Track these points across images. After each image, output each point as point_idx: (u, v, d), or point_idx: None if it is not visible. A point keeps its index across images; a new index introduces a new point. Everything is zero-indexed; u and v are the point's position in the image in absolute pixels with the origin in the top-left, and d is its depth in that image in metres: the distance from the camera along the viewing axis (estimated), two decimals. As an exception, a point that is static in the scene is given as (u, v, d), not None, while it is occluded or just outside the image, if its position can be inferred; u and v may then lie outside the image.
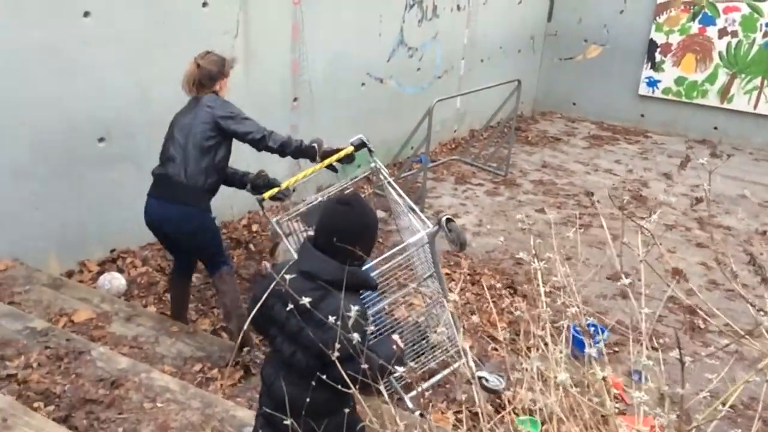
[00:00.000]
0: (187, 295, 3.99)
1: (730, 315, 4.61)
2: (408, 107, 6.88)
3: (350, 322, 1.59)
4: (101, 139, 4.31)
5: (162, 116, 4.59)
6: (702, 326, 4.40)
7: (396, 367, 1.72)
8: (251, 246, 5.11)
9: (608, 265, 5.15)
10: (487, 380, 3.48)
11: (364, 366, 1.57)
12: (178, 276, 3.89)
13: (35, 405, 2.61)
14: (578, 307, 1.92)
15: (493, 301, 4.56)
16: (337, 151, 3.60)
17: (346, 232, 1.96)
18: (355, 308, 1.72)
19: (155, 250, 4.84)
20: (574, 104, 9.32)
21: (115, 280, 4.31)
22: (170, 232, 3.55)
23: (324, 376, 1.77)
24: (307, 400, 1.81)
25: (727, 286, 4.98)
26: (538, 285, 1.83)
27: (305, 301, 1.59)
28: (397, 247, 3.23)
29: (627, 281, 1.70)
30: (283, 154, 3.49)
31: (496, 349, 4.13)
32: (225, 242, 5.12)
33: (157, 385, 2.83)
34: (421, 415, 3.41)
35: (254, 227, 5.40)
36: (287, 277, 1.79)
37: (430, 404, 3.54)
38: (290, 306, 1.79)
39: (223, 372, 3.32)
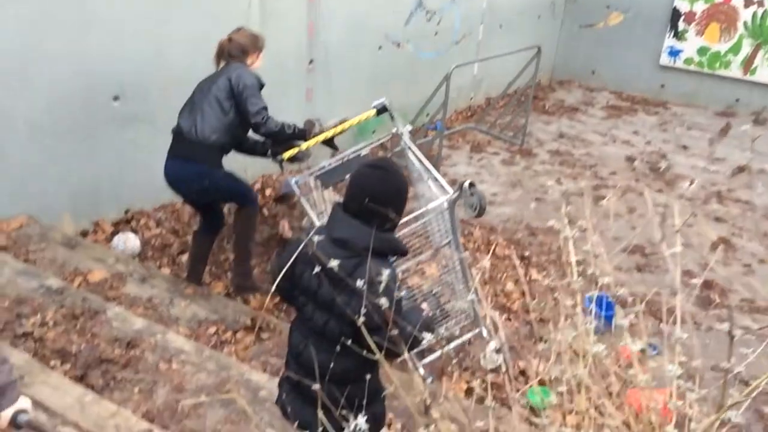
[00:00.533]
0: (207, 254, 4.03)
1: (749, 290, 4.60)
2: (425, 73, 6.75)
3: (381, 288, 1.56)
4: (116, 98, 4.26)
5: (176, 77, 4.54)
6: (717, 300, 4.36)
7: (425, 335, 1.70)
8: (264, 210, 5.08)
9: (624, 238, 5.10)
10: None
11: (394, 332, 1.55)
12: (202, 232, 3.98)
13: (51, 363, 2.62)
14: (601, 277, 1.89)
15: (507, 272, 4.52)
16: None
17: (381, 196, 1.91)
18: (387, 272, 1.71)
19: (169, 212, 4.84)
20: (593, 73, 9.13)
21: (129, 241, 4.31)
22: (185, 192, 3.69)
23: (355, 344, 1.75)
24: (334, 366, 1.80)
25: (744, 261, 4.92)
26: (567, 254, 1.78)
27: (334, 263, 1.55)
28: (415, 213, 3.19)
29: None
30: (276, 141, 3.59)
31: (509, 319, 4.12)
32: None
33: (172, 347, 2.83)
34: (432, 381, 3.42)
35: (268, 191, 5.37)
36: (316, 240, 1.78)
37: (443, 372, 3.54)
38: (318, 269, 1.77)
39: (237, 335, 3.32)
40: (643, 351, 3.79)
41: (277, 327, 3.42)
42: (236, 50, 3.60)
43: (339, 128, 3.71)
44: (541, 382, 3.54)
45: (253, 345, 3.28)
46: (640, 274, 4.64)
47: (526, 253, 4.76)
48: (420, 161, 3.47)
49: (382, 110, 3.64)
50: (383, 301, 1.53)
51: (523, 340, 4.02)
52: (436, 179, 3.34)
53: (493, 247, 4.88)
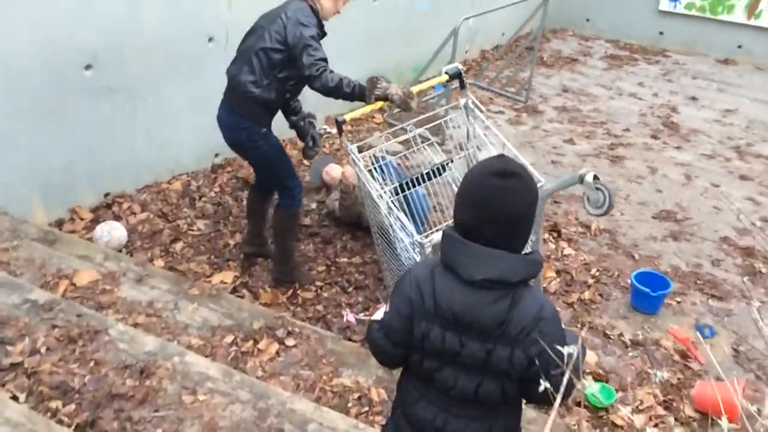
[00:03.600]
0: (265, 214, 3.70)
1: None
2: (419, 26, 6.21)
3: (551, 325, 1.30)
4: (88, 67, 3.66)
5: (153, 38, 3.94)
6: (763, 270, 4.06)
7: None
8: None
9: (652, 203, 4.75)
10: None
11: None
12: (254, 191, 3.67)
13: (52, 405, 2.13)
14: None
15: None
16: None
17: (522, 210, 1.47)
18: (548, 305, 1.51)
19: (154, 193, 4.30)
20: (587, 20, 8.64)
21: (114, 231, 3.77)
22: (226, 139, 3.33)
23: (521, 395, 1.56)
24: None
25: (781, 224, 4.62)
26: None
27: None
28: None
29: None
30: (332, 97, 3.03)
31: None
32: (233, 182, 4.59)
33: (194, 372, 2.37)
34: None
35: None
36: (439, 287, 1.38)
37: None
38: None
39: (259, 344, 2.87)
40: (701, 333, 3.44)
41: (303, 331, 2.98)
42: None
43: (429, 83, 3.28)
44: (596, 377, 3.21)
45: (278, 356, 2.83)
46: (676, 242, 4.29)
47: (553, 225, 4.36)
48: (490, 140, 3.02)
49: (455, 76, 3.17)
50: (571, 349, 1.13)
51: (566, 326, 3.65)
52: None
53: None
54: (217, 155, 4.71)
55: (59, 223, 3.84)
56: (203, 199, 4.36)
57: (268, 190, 3.64)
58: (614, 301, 3.72)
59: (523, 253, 1.51)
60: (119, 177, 4.11)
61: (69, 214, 3.91)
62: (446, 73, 3.19)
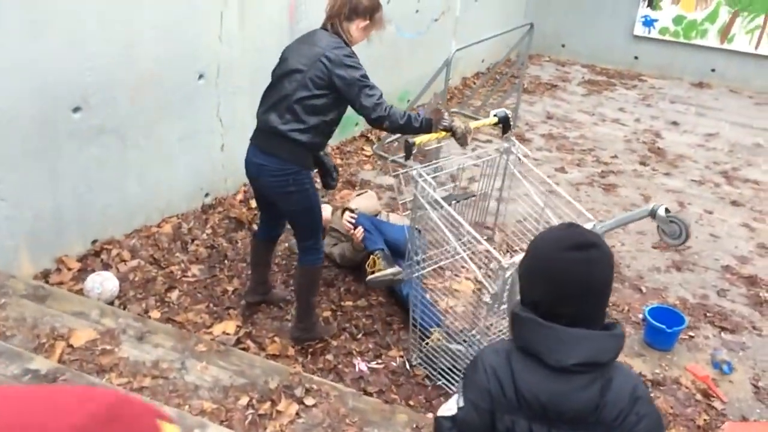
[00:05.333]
0: (270, 261, 3.64)
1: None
2: (406, 55, 6.16)
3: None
4: (76, 109, 3.47)
5: (147, 76, 3.78)
6: (768, 299, 4.05)
7: None
8: (254, 226, 4.40)
9: (650, 232, 4.72)
10: None
11: None
12: (258, 240, 3.52)
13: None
14: None
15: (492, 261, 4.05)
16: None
17: (605, 283, 1.38)
18: (639, 381, 1.42)
19: (144, 238, 4.09)
20: (563, 46, 8.74)
21: (107, 282, 3.56)
22: (265, 188, 3.16)
23: None
24: None
25: (778, 249, 4.64)
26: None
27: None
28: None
29: None
30: (399, 132, 3.09)
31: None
32: (226, 222, 4.43)
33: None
34: None
35: (253, 203, 4.67)
36: (524, 375, 1.25)
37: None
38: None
39: (275, 405, 2.70)
40: (720, 369, 3.38)
41: (322, 388, 2.82)
42: (348, 9, 2.91)
43: (478, 124, 3.15)
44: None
45: (298, 417, 2.66)
46: (680, 273, 4.27)
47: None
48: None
49: (504, 120, 3.12)
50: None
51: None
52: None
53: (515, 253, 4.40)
54: (207, 195, 4.53)
55: (45, 275, 3.61)
56: (196, 242, 4.17)
57: (273, 237, 3.49)
58: (628, 338, 3.65)
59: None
60: (108, 222, 3.90)
61: (55, 264, 3.68)
62: (495, 116, 3.12)
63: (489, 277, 2.64)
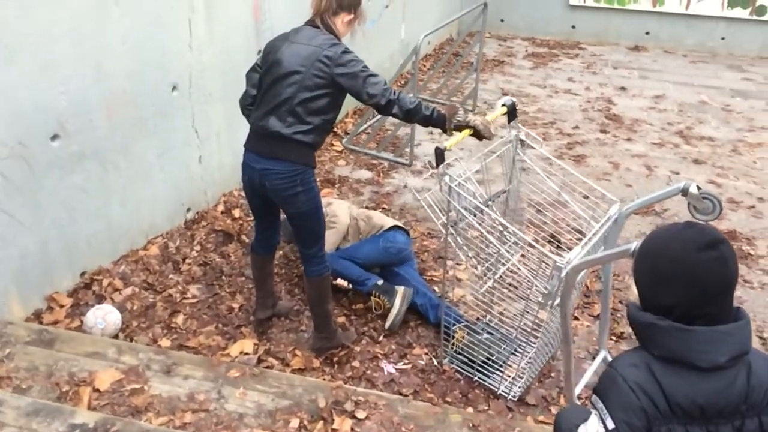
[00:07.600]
0: (271, 275, 3.54)
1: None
2: (361, 46, 6.05)
3: None
4: (55, 137, 3.24)
5: (121, 94, 3.57)
6: (751, 252, 4.27)
7: None
8: (244, 237, 4.26)
9: (628, 199, 4.87)
10: None
11: None
12: (257, 253, 3.40)
13: None
14: None
15: (544, 261, 4.11)
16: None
17: (736, 275, 1.41)
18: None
19: (132, 263, 3.90)
20: (502, 21, 8.84)
21: (109, 315, 3.37)
22: (271, 192, 3.03)
23: None
24: None
25: (746, 203, 4.88)
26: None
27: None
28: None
29: None
30: (408, 121, 2.94)
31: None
32: (213, 236, 4.27)
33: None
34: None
35: (236, 212, 4.52)
36: (675, 384, 1.27)
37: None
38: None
39: (329, 423, 2.64)
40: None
41: (369, 398, 2.78)
42: (331, 2, 2.86)
43: (493, 116, 3.04)
44: None
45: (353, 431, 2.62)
46: (665, 236, 4.43)
47: (551, 235, 4.37)
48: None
49: (512, 109, 3.09)
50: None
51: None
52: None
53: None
54: (188, 210, 4.35)
55: (38, 315, 3.38)
56: (187, 260, 4.00)
57: (271, 248, 3.38)
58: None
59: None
60: (94, 251, 3.69)
61: (46, 303, 3.46)
62: (503, 105, 3.08)
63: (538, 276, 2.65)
